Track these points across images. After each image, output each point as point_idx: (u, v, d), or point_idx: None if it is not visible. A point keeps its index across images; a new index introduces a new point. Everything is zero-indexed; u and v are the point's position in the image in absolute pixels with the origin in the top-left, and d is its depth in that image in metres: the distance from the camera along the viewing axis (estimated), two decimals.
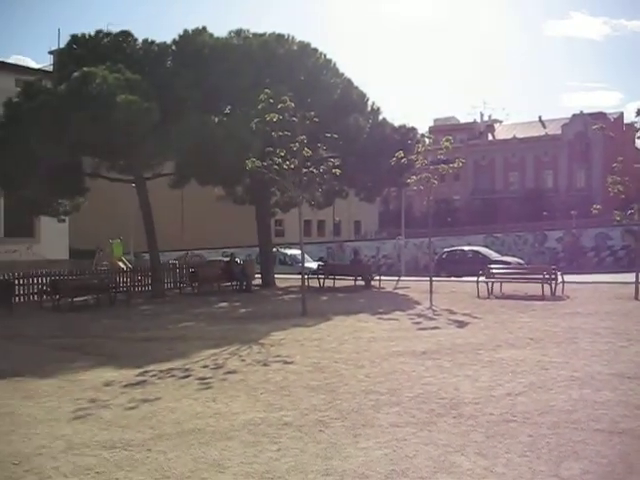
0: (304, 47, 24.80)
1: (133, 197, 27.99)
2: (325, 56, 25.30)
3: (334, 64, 25.44)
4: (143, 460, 6.07)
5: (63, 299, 19.83)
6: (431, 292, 18.43)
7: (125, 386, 9.10)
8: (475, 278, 20.65)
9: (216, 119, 20.91)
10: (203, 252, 41.54)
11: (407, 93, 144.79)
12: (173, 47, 23.67)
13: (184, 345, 12.48)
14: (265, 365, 10.27)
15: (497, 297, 19.43)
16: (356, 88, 25.62)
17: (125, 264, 29.90)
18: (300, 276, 17.91)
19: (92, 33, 23.40)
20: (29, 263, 33.61)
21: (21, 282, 21.38)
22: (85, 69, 19.12)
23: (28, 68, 37.25)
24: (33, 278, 21.90)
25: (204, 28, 23.97)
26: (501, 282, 20.66)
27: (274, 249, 29.75)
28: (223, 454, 6.17)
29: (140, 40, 23.62)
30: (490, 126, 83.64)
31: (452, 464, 5.75)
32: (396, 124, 25.48)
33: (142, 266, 27.59)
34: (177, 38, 23.71)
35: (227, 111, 23.88)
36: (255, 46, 23.57)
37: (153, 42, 23.63)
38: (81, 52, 22.34)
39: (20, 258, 36.00)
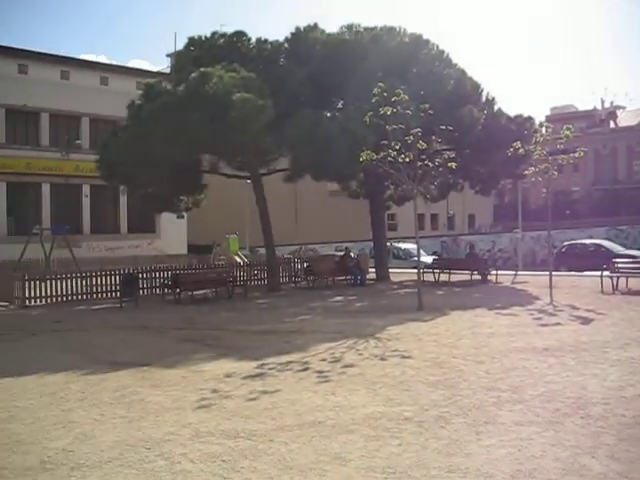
0: (416, 39, 24.54)
1: (247, 192, 28.60)
2: (438, 47, 24.96)
3: (447, 55, 25.05)
4: (266, 450, 6.18)
5: (184, 292, 20.57)
6: (551, 287, 17.80)
7: (245, 377, 9.30)
8: (598, 273, 19.78)
9: (329, 114, 21.06)
10: (316, 246, 41.96)
11: (522, 82, 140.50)
12: (285, 45, 24.02)
13: (301, 338, 12.65)
14: (383, 359, 10.23)
15: (623, 293, 18.52)
16: (470, 78, 25.06)
17: (241, 258, 30.64)
18: (414, 270, 17.77)
19: (208, 35, 24.11)
20: (150, 258, 35.30)
21: (145, 276, 22.39)
22: (202, 69, 19.67)
23: (147, 71, 38.97)
24: (156, 272, 22.91)
25: (315, 24, 24.20)
26: (627, 277, 19.67)
27: (388, 243, 29.63)
28: (344, 447, 6.19)
29: (254, 39, 24.12)
30: (612, 113, 79.59)
31: (582, 466, 5.51)
32: (512, 114, 24.76)
33: (257, 260, 28.21)
34: (289, 36, 24.04)
35: (340, 106, 24.03)
36: (366, 40, 23.56)
37: (266, 41, 24.08)
38: (198, 53, 23.06)
39: (142, 253, 37.87)
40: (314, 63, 22.31)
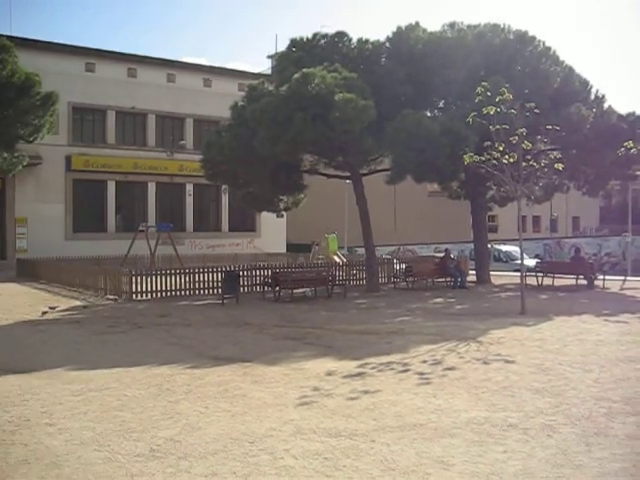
0: (521, 36, 23.83)
1: (347, 192, 28.69)
2: (544, 44, 24.13)
3: (554, 52, 24.19)
4: (367, 450, 6.16)
5: (283, 290, 20.81)
6: None
7: (346, 377, 9.31)
8: None
9: (430, 114, 20.78)
10: (415, 247, 41.63)
11: (631, 77, 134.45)
12: (387, 44, 23.85)
13: (401, 339, 12.53)
14: (485, 363, 10.02)
15: None
16: (578, 75, 24.21)
17: (340, 258, 30.76)
18: (516, 273, 17.31)
19: (309, 36, 24.27)
20: (250, 256, 36.07)
21: (245, 274, 22.82)
22: (304, 70, 19.80)
23: (248, 73, 39.83)
24: (256, 270, 23.32)
25: (417, 23, 23.85)
26: None
27: (489, 245, 29.00)
28: (447, 451, 6.09)
29: (355, 39, 24.09)
30: None
31: None
32: (623, 112, 23.71)
33: (356, 260, 28.22)
34: (390, 35, 23.87)
35: (441, 105, 23.71)
36: (470, 38, 23.08)
37: (367, 41, 23.96)
38: (299, 54, 23.23)
39: (242, 251, 38.76)
40: (415, 62, 22.05)
